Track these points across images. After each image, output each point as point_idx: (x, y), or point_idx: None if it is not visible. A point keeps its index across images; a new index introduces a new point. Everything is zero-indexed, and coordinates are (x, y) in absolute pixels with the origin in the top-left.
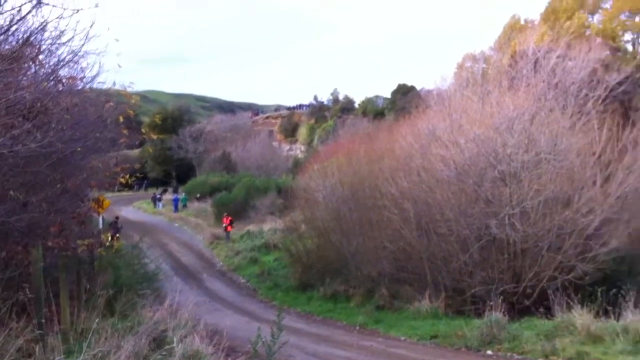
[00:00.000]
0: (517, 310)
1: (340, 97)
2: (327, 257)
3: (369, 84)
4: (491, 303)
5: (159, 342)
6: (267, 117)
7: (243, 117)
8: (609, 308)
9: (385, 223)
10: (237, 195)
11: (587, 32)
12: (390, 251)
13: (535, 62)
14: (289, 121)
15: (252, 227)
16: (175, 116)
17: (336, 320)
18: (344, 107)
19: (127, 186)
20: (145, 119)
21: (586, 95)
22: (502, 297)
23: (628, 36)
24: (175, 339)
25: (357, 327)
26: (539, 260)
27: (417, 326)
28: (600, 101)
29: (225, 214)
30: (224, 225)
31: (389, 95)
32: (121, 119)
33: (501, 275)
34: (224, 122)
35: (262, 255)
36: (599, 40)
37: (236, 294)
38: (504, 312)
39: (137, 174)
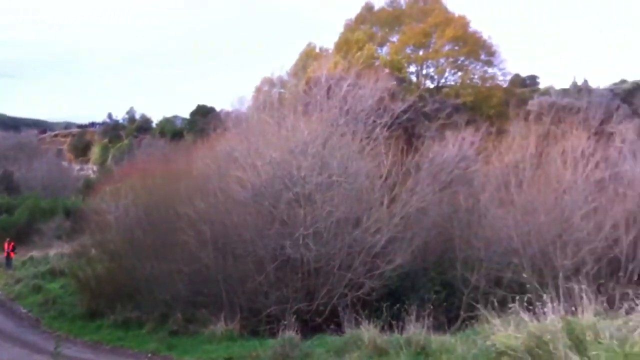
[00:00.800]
0: (310, 327)
1: (137, 116)
2: (119, 282)
3: (167, 103)
4: (285, 322)
5: None
6: (56, 135)
7: (29, 134)
8: (394, 322)
9: (181, 245)
10: (20, 218)
11: (376, 63)
12: (186, 274)
13: (328, 89)
14: (80, 140)
15: (36, 253)
16: None
17: (127, 349)
18: (141, 127)
19: None
20: None
21: (374, 121)
22: (296, 315)
23: (412, 68)
24: None
25: (149, 355)
26: (331, 278)
27: (211, 350)
28: (386, 128)
29: (7, 239)
30: (6, 251)
31: (188, 116)
32: None
33: (295, 294)
34: (6, 139)
35: (46, 282)
36: (386, 70)
37: (16, 325)
38: (297, 331)
39: None
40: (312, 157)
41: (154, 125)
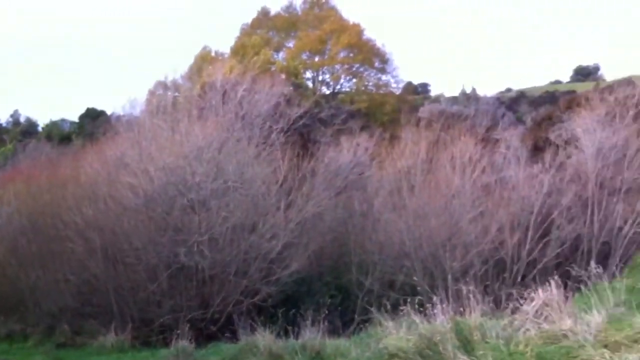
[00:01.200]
0: (205, 336)
1: (22, 119)
2: (1, 293)
3: (55, 106)
4: (179, 331)
5: None
6: None
7: None
8: (289, 327)
9: (68, 254)
10: None
11: (273, 68)
12: (74, 284)
13: (224, 93)
14: None
15: None
16: None
17: None
18: (26, 130)
19: None
20: None
21: (270, 127)
22: (190, 324)
23: (308, 74)
24: None
25: None
26: (226, 285)
27: None
28: (282, 133)
29: None
30: None
31: (76, 119)
32: None
33: (190, 302)
34: None
35: None
36: (282, 76)
37: None
38: (191, 340)
39: None
40: (207, 162)
41: (40, 129)
